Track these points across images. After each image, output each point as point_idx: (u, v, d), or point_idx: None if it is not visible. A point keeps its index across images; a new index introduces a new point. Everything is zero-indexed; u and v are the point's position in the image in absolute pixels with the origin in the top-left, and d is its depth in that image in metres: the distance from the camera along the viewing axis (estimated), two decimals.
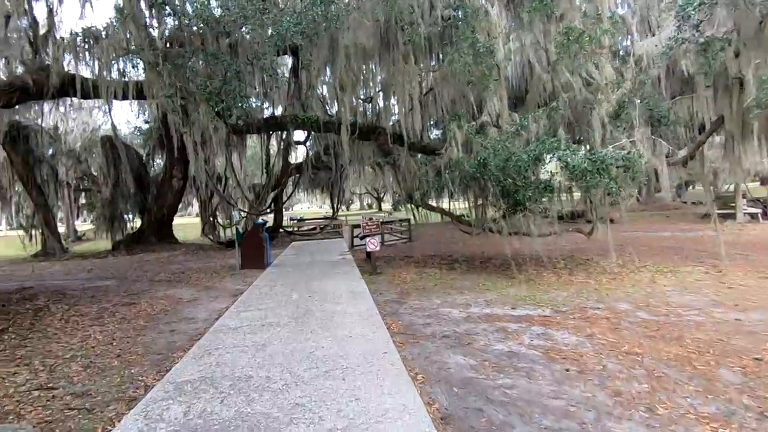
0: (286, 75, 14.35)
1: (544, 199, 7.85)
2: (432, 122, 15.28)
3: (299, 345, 4.73)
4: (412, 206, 9.07)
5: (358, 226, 17.73)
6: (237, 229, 10.89)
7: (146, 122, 21.19)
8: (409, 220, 17.04)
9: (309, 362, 4.19)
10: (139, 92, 9.51)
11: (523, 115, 8.73)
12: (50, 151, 19.46)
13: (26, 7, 10.25)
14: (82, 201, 25.67)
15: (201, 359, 4.46)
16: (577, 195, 10.52)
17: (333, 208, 23.28)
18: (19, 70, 9.14)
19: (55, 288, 9.57)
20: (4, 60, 10.91)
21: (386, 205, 66.50)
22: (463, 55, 7.82)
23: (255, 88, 9.54)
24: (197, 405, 3.40)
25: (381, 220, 11.96)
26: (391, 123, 11.71)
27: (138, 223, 20.96)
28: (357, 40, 7.91)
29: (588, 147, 9.26)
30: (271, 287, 8.38)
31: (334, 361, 4.19)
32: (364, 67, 8.72)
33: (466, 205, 9.66)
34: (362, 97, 13.64)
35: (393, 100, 12.46)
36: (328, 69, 9.29)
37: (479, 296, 6.94)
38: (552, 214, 7.81)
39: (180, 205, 25.78)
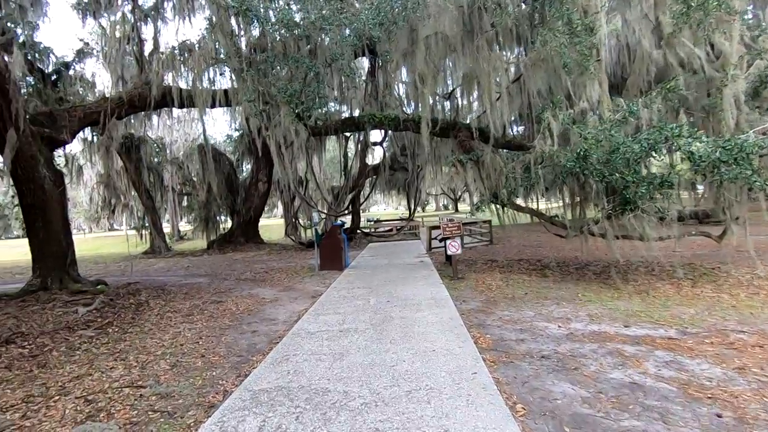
0: (363, 78, 14.36)
1: (658, 197, 6.66)
2: (516, 116, 14.24)
3: (378, 357, 4.36)
4: (497, 206, 8.32)
5: (436, 227, 17.17)
6: (316, 230, 10.98)
7: (236, 130, 22.67)
8: (490, 222, 16.09)
9: (389, 378, 3.80)
10: (225, 100, 10.01)
11: (631, 99, 7.54)
12: (157, 160, 21.64)
13: (135, 32, 11.37)
14: (185, 204, 28.31)
15: (279, 365, 4.30)
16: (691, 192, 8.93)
17: (409, 209, 22.94)
18: (125, 86, 10.21)
19: (156, 284, 10.40)
20: (120, 78, 12.25)
21: (464, 206, 64.78)
22: (558, 35, 6.93)
23: (333, 89, 9.51)
24: (272, 419, 3.16)
25: (461, 221, 11.30)
26: (471, 117, 11.03)
27: (229, 223, 22.57)
28: (438, 29, 7.38)
29: (709, 134, 7.75)
30: (348, 290, 8.21)
31: (418, 379, 3.74)
32: (444, 58, 8.12)
33: (559, 205, 8.65)
34: (440, 93, 13.12)
35: (474, 95, 11.77)
36: (405, 66, 8.92)
37: (580, 309, 6.03)
38: (670, 214, 6.57)
39: (266, 207, 27.43)
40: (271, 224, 33.05)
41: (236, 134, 24.01)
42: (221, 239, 20.75)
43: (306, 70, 8.88)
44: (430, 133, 10.54)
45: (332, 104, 10.69)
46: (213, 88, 9.86)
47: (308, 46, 8.91)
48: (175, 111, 21.37)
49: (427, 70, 7.66)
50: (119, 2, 12.05)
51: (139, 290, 8.78)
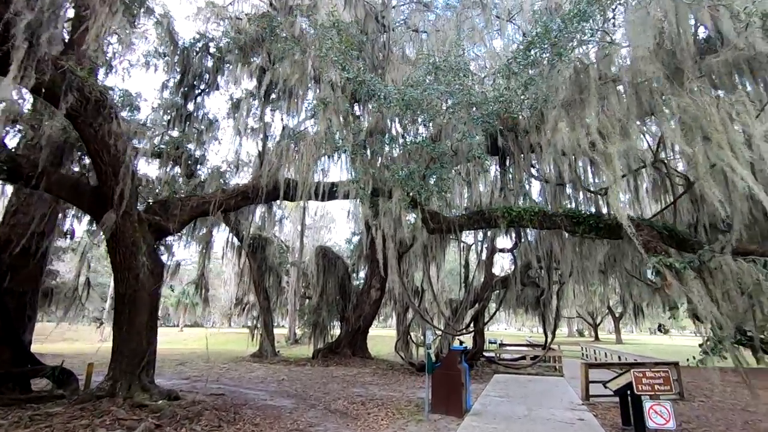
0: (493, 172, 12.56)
1: None
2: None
3: None
4: (739, 351, 4.72)
5: (593, 365, 12.86)
6: (428, 354, 8.33)
7: (353, 233, 22.39)
8: (677, 364, 11.25)
9: None
10: (331, 191, 8.93)
11: None
12: (279, 261, 22.06)
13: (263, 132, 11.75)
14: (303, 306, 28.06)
15: None
16: None
17: (545, 335, 18.54)
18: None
19: (236, 401, 8.65)
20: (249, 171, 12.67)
21: (604, 333, 53.60)
22: None
23: (459, 173, 7.75)
24: None
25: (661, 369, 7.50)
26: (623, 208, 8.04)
27: (337, 331, 21.01)
28: (630, 72, 5.16)
29: None
30: None
31: None
32: (632, 111, 5.65)
33: None
34: (588, 186, 10.42)
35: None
36: (560, 135, 6.80)
37: None
38: None
39: (379, 317, 25.57)
40: (383, 335, 30.75)
41: (355, 238, 23.77)
42: (327, 349, 19.04)
43: (428, 151, 7.34)
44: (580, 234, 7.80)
45: (456, 195, 8.82)
46: (322, 179, 8.97)
47: (430, 125, 7.61)
48: (308, 219, 22.37)
49: (610, 122, 5.26)
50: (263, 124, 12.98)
51: (202, 413, 6.96)
